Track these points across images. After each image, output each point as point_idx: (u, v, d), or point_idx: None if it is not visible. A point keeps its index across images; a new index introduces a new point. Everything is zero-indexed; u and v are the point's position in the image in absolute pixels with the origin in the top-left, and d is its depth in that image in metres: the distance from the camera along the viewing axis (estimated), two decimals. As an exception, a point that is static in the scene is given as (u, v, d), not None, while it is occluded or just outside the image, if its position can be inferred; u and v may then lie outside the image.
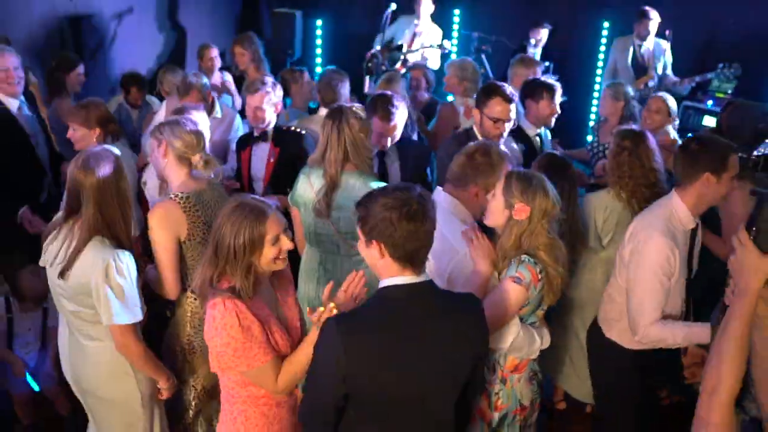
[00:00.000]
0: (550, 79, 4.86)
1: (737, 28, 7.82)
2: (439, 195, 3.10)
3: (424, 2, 7.63)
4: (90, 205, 2.86)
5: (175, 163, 3.28)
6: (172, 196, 3.20)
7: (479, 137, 4.07)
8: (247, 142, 4.61)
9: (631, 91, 5.58)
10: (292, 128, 4.62)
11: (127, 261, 2.91)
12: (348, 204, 3.31)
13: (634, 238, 3.24)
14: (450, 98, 6.10)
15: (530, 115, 4.73)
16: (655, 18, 7.14)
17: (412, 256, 2.19)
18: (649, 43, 7.24)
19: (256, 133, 4.52)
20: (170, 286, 3.23)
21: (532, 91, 4.69)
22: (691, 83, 7.19)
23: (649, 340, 3.14)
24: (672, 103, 5.32)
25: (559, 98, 4.72)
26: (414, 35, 7.72)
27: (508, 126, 4.08)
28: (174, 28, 8.60)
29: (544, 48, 8.21)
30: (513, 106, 4.06)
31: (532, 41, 8.11)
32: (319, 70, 8.83)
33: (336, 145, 3.43)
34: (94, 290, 2.86)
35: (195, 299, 3.30)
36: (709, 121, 7.65)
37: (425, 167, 4.43)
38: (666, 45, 7.29)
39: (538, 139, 4.83)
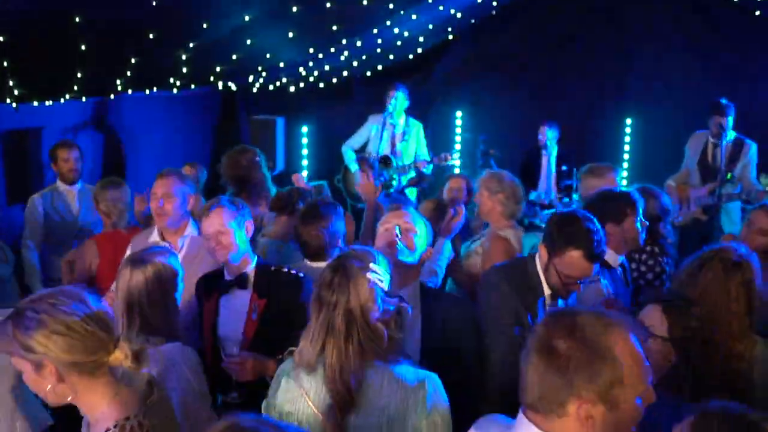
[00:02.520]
0: (626, 190, 3.62)
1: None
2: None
3: (398, 94, 6.65)
4: None
5: (82, 381, 1.91)
6: (112, 429, 1.88)
7: (541, 275, 2.88)
8: (213, 285, 3.20)
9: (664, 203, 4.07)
10: (285, 269, 3.21)
11: None
12: (374, 422, 2.12)
13: None
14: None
15: (612, 241, 3.48)
16: (728, 113, 5.83)
17: None
18: (728, 141, 5.89)
19: (227, 275, 3.15)
20: None
21: (609, 212, 3.47)
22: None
23: None
24: None
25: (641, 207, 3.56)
26: (393, 137, 6.75)
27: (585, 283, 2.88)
28: (139, 141, 7.58)
29: (560, 149, 7.28)
30: (597, 265, 2.87)
31: (547, 143, 7.20)
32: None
33: (343, 341, 2.12)
34: None
35: None
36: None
37: (466, 335, 2.88)
38: (752, 145, 5.98)
39: (620, 269, 3.60)
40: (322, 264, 3.39)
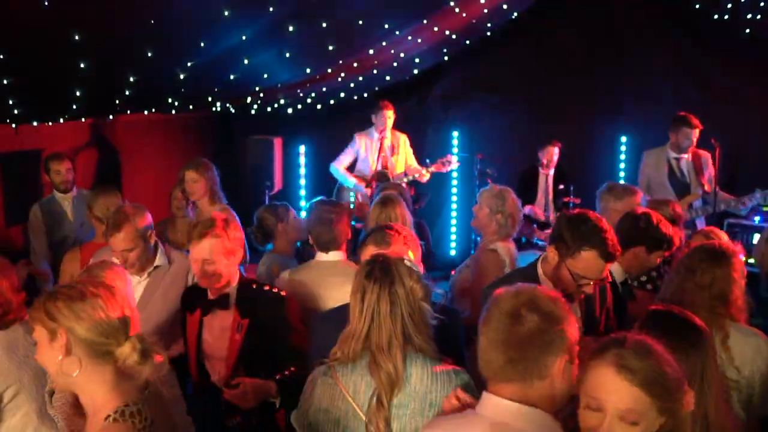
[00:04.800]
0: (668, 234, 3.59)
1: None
2: None
3: (389, 112, 6.94)
4: None
5: (88, 361, 1.97)
6: (116, 415, 1.91)
7: (544, 279, 2.88)
8: (196, 301, 3.20)
9: (677, 210, 4.25)
10: (268, 286, 3.22)
11: None
12: (416, 407, 2.24)
13: None
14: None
15: (630, 262, 3.52)
16: (697, 126, 5.97)
17: None
18: (689, 156, 6.11)
19: (211, 295, 3.14)
20: None
21: (651, 239, 3.45)
22: (751, 203, 5.90)
23: None
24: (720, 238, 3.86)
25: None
26: (384, 152, 6.92)
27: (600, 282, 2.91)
28: (137, 163, 7.62)
29: (558, 168, 7.33)
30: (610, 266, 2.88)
31: (544, 161, 7.25)
32: (303, 203, 7.85)
33: (390, 322, 2.23)
34: None
35: None
36: (761, 240, 6.57)
37: (457, 343, 2.94)
38: (707, 156, 6.13)
39: (619, 286, 3.62)
40: (334, 254, 3.56)
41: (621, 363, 1.74)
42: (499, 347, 1.81)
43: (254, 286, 3.18)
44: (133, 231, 3.46)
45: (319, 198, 4.49)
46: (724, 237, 3.89)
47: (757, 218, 6.73)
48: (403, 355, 2.22)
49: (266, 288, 3.19)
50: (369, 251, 2.77)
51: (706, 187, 5.97)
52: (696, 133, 5.94)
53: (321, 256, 3.61)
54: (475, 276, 4.04)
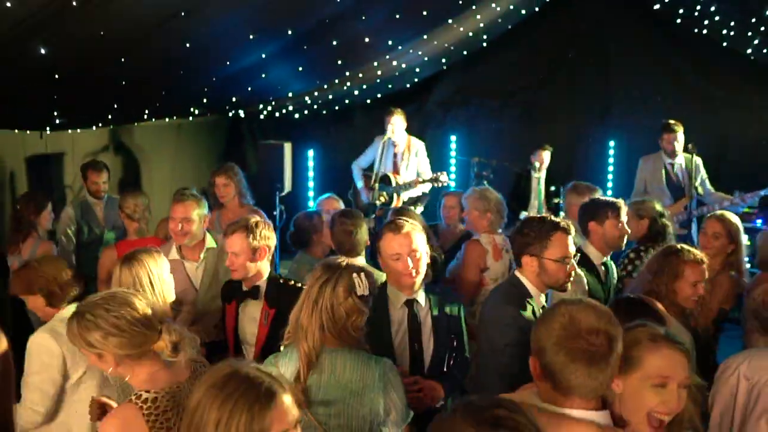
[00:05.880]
0: (613, 199, 4.21)
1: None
2: None
3: (395, 118, 6.99)
4: None
5: (134, 364, 2.32)
6: (133, 397, 2.25)
7: (531, 288, 3.20)
8: (233, 292, 3.66)
9: (658, 207, 4.81)
10: (292, 282, 3.59)
11: None
12: (338, 395, 2.50)
13: None
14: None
15: (596, 241, 4.06)
16: (679, 131, 6.35)
17: None
18: (681, 160, 6.42)
19: (244, 287, 3.57)
20: None
21: (594, 212, 4.05)
22: (752, 199, 6.19)
23: None
24: (732, 221, 4.40)
25: (625, 217, 4.08)
26: (395, 156, 7.19)
27: (575, 260, 3.24)
28: (153, 165, 8.04)
29: (549, 170, 7.74)
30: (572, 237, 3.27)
31: (536, 164, 7.64)
32: (311, 204, 8.29)
33: (311, 308, 2.55)
34: None
35: None
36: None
37: (459, 330, 3.35)
38: (698, 160, 6.44)
39: (603, 268, 4.09)
40: (356, 259, 3.85)
41: (675, 341, 2.03)
42: (591, 372, 1.90)
43: (281, 281, 3.58)
44: (195, 206, 3.96)
45: (327, 195, 4.95)
46: (736, 220, 4.37)
47: (759, 221, 6.90)
48: (320, 343, 2.51)
49: (291, 283, 3.58)
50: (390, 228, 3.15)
51: (700, 190, 6.31)
52: (675, 137, 6.26)
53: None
54: (460, 262, 4.55)
